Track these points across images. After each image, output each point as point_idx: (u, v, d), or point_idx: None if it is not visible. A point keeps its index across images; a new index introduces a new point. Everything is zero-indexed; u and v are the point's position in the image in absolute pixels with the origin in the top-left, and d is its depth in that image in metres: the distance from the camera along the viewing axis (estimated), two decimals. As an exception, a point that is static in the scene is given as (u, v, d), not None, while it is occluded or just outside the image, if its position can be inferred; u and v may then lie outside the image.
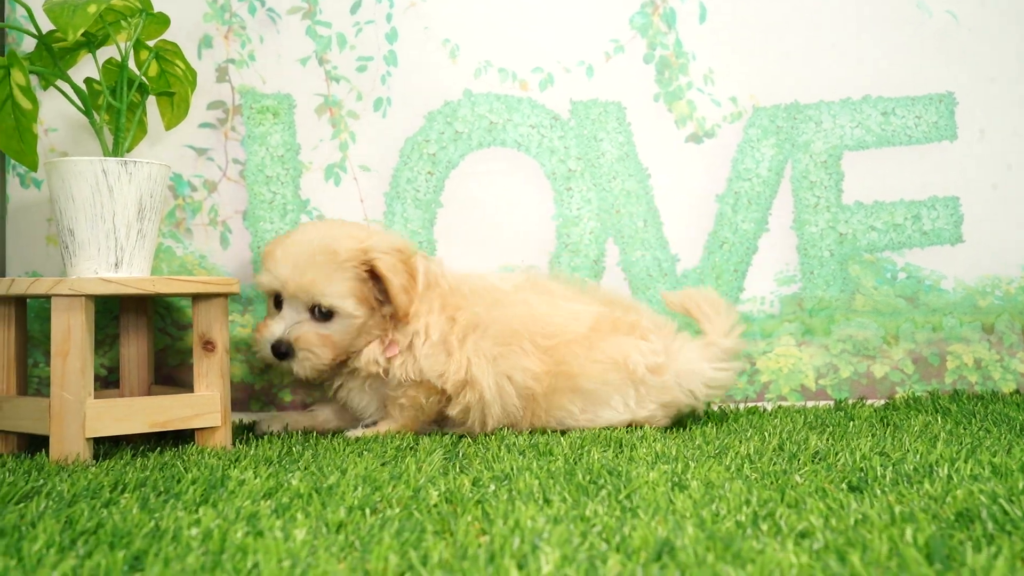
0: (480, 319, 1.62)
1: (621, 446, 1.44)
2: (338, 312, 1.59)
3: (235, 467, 1.30)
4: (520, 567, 0.82)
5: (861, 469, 1.21)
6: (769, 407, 1.90)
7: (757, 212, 1.93)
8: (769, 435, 1.51)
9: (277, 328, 1.61)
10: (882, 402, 1.91)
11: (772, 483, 1.15)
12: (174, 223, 1.83)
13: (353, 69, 1.86)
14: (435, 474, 1.25)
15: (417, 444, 1.53)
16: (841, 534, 0.90)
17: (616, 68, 1.91)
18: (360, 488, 1.14)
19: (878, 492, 1.09)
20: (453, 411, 1.63)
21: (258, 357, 1.64)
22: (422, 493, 1.13)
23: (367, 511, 1.05)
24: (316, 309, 1.60)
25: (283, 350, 1.60)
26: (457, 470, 1.28)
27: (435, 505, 1.07)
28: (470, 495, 1.10)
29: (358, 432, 1.67)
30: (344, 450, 1.49)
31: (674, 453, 1.37)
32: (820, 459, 1.30)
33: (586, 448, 1.42)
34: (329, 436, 1.67)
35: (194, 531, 0.95)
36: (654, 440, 1.49)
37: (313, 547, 0.90)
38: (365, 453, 1.44)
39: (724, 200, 1.93)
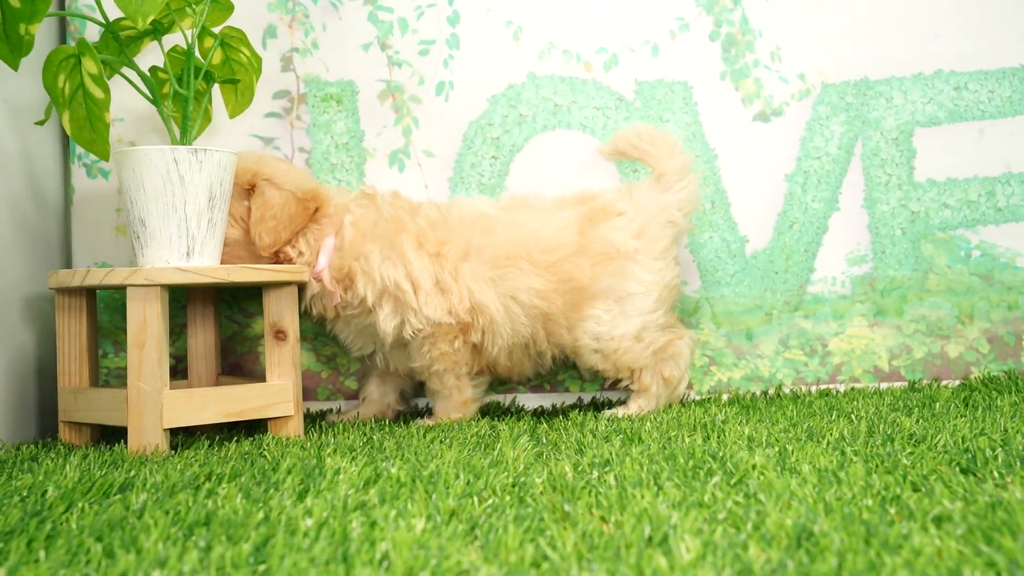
0: (471, 246, 1.64)
1: (708, 430, 1.42)
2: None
3: (328, 456, 1.28)
4: (664, 555, 0.79)
5: (967, 450, 1.18)
6: (842, 388, 1.86)
7: (827, 191, 1.89)
8: (856, 418, 1.48)
9: None
10: (957, 383, 1.87)
11: (879, 466, 1.12)
12: (238, 212, 1.81)
13: (415, 53, 1.83)
14: (530, 460, 1.22)
15: (496, 432, 1.50)
16: (981, 518, 0.87)
17: (681, 47, 1.87)
18: (462, 476, 1.12)
19: (996, 474, 1.05)
20: (476, 337, 1.64)
21: None
22: (523, 479, 1.10)
23: (475, 499, 1.02)
24: None
25: None
26: (549, 456, 1.25)
27: (541, 492, 1.05)
28: (574, 482, 1.08)
29: (427, 421, 1.67)
30: (425, 437, 1.47)
31: (765, 437, 1.34)
32: (919, 441, 1.27)
33: (673, 434, 1.40)
34: (401, 423, 1.65)
35: (308, 521, 0.93)
36: (738, 423, 1.47)
37: (437, 535, 0.88)
38: (448, 440, 1.42)
39: (793, 179, 1.89)
